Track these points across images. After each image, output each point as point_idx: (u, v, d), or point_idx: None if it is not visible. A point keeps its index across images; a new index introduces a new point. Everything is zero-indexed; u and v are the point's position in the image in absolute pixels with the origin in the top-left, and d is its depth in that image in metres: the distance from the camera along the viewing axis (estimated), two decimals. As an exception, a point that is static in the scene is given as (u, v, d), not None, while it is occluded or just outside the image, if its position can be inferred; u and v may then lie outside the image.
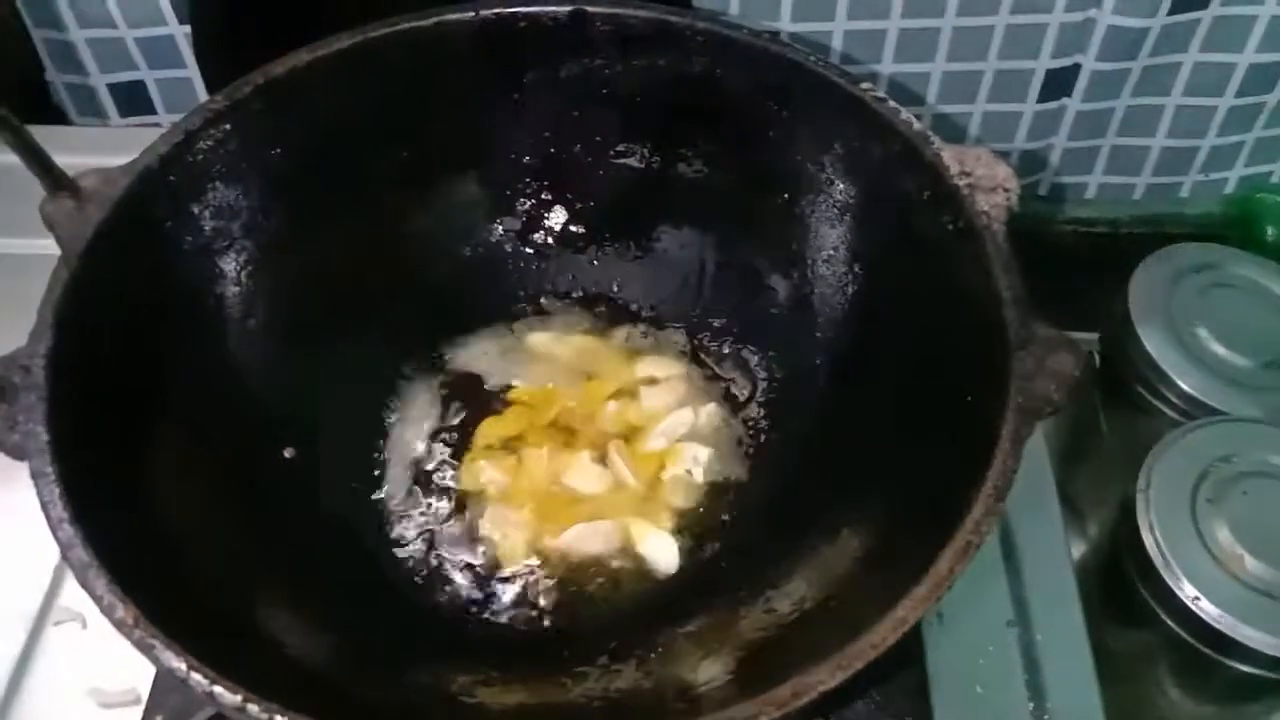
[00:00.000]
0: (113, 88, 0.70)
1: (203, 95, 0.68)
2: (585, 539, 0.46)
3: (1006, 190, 0.39)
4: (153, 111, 0.71)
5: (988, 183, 0.39)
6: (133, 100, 0.70)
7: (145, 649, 0.30)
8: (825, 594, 0.38)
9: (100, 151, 0.47)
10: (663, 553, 0.47)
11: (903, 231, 0.43)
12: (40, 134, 0.41)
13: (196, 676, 0.29)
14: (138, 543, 0.34)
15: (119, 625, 0.31)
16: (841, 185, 0.47)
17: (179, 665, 0.30)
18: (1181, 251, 0.61)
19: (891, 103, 0.43)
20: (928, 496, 0.36)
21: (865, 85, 0.44)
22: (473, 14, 0.47)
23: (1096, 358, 0.62)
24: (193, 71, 0.68)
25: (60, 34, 0.66)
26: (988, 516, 0.32)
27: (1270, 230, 0.72)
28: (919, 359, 0.42)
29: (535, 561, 0.47)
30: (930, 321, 0.42)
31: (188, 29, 0.66)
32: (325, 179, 0.48)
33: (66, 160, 0.42)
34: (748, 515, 0.48)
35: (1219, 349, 0.57)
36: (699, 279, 0.53)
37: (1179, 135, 0.70)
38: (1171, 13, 0.62)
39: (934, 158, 0.41)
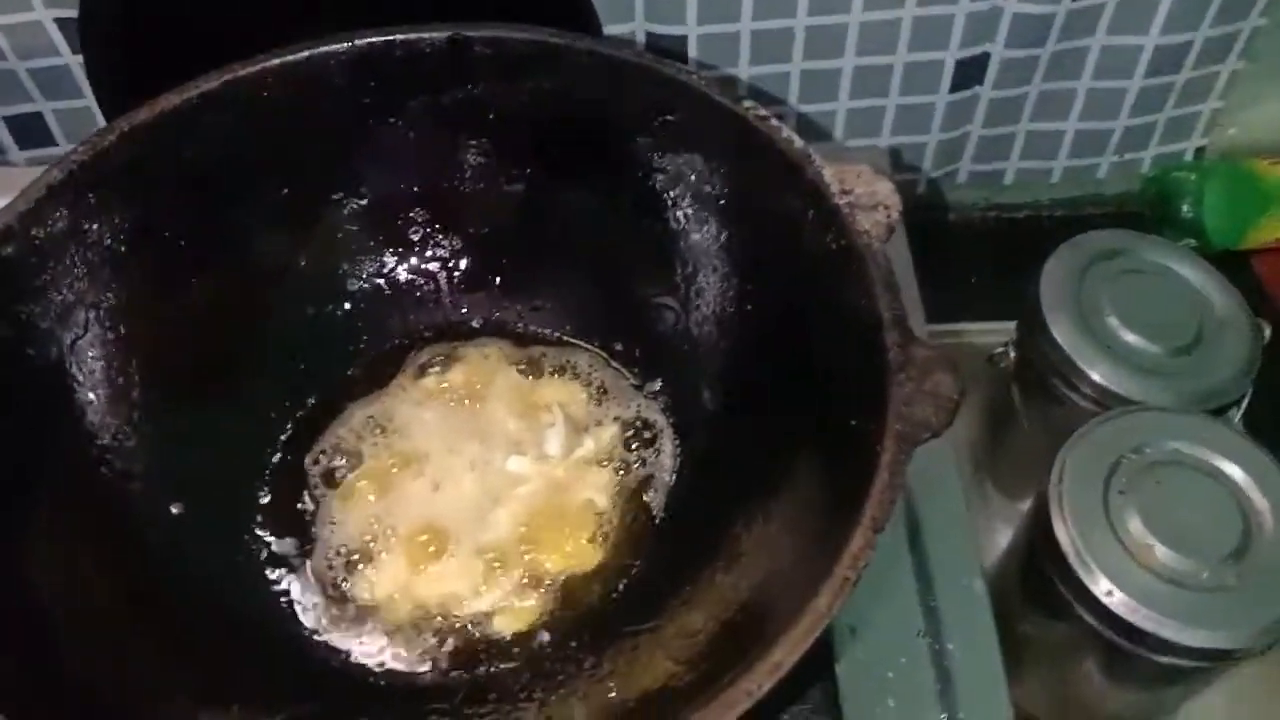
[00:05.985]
0: (9, 120, 0.68)
1: (103, 124, 0.67)
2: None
3: (887, 208, 0.39)
4: (54, 144, 0.70)
5: (868, 200, 0.39)
6: (31, 133, 0.69)
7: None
8: (717, 627, 0.38)
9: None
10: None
11: (788, 252, 0.42)
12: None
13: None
14: (8, 632, 0.33)
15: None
16: (727, 205, 0.46)
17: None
18: (1091, 240, 0.60)
19: (773, 120, 0.42)
20: (812, 526, 0.36)
21: (748, 104, 0.43)
22: (348, 44, 0.46)
23: (1012, 350, 0.63)
24: (91, 100, 0.66)
25: (-52, 68, 0.64)
26: (865, 550, 0.32)
27: (1185, 208, 0.72)
28: (804, 383, 0.41)
29: (420, 611, 0.46)
30: (815, 344, 0.41)
31: (81, 58, 0.64)
32: (201, 223, 0.46)
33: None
34: (650, 542, 0.47)
35: (1130, 337, 0.57)
36: (596, 304, 0.53)
37: (1092, 118, 0.71)
38: (1076, -3, 0.62)
39: (815, 176, 0.40)
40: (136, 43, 0.62)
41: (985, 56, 0.66)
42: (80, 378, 0.43)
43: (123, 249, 0.44)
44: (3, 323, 0.41)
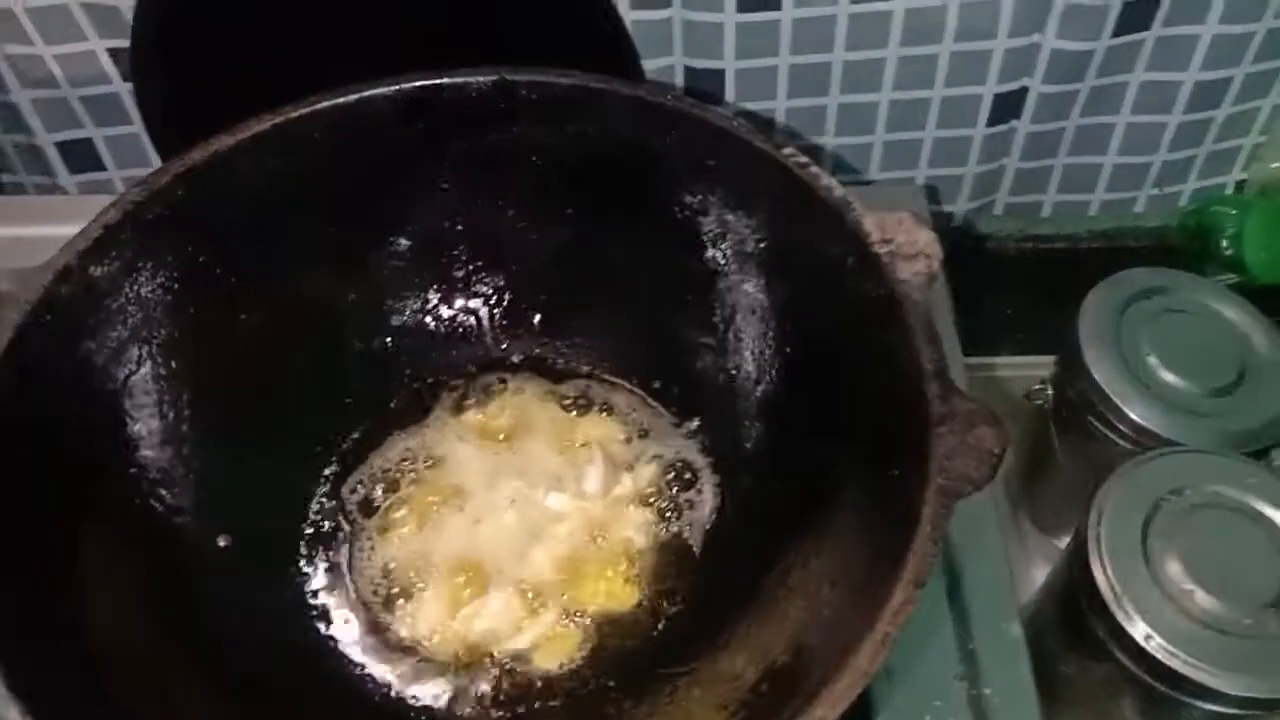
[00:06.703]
0: (60, 146, 0.70)
1: (151, 150, 0.68)
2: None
3: (928, 257, 0.39)
4: (103, 168, 0.71)
5: (909, 249, 0.39)
6: (81, 158, 0.71)
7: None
8: (757, 674, 0.38)
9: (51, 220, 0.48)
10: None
11: (828, 299, 0.43)
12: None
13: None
14: (58, 665, 0.34)
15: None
16: (766, 250, 0.47)
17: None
18: (1130, 277, 0.60)
19: (814, 168, 0.43)
20: (852, 576, 0.36)
21: (788, 150, 0.43)
22: (395, 87, 0.47)
23: (1049, 388, 0.62)
24: (140, 127, 0.68)
25: (2, 95, 0.66)
26: (906, 605, 0.32)
27: (1224, 242, 0.72)
28: (844, 430, 0.41)
29: (460, 647, 0.47)
30: (855, 392, 0.41)
31: (131, 86, 0.66)
32: (251, 261, 0.47)
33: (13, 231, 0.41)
34: (688, 584, 0.47)
35: (1169, 377, 0.57)
36: (635, 343, 0.53)
37: (1130, 152, 0.70)
38: (1115, 34, 0.62)
39: (855, 224, 0.40)
40: (184, 72, 0.63)
41: (1023, 91, 0.66)
42: (133, 413, 0.44)
43: (176, 286, 0.45)
44: (61, 360, 0.42)
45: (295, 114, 0.46)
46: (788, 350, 0.47)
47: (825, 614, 0.38)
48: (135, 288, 0.44)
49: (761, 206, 0.46)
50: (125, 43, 0.63)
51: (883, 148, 0.69)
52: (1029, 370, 0.68)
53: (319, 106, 0.46)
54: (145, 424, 0.45)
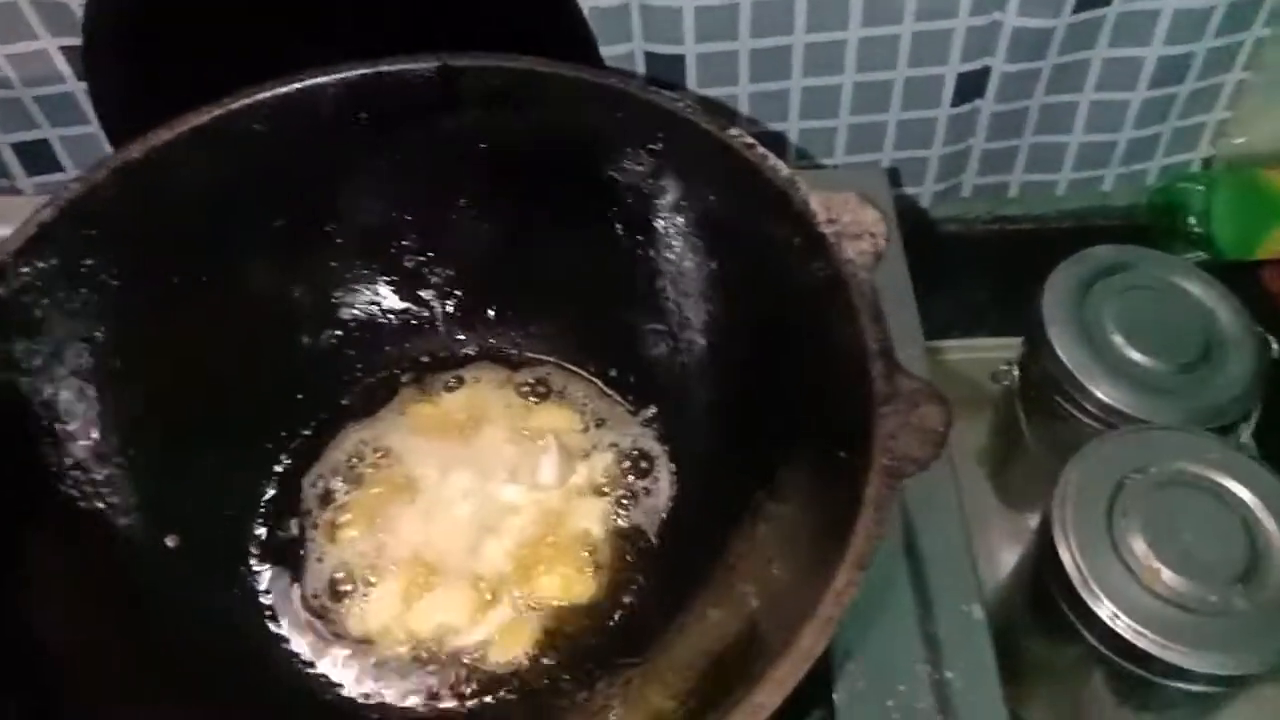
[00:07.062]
0: (16, 147, 0.69)
1: (110, 149, 0.68)
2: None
3: (873, 235, 0.38)
4: (60, 169, 0.71)
5: (854, 229, 0.39)
6: (38, 159, 0.70)
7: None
8: (709, 661, 0.38)
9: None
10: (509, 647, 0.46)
11: (776, 280, 0.42)
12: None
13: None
14: (10, 667, 0.34)
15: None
16: (715, 233, 0.46)
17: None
18: (1094, 255, 0.60)
19: (760, 149, 0.42)
20: (802, 559, 0.36)
21: (734, 131, 0.43)
22: (337, 76, 0.46)
23: (1015, 367, 0.62)
24: (97, 126, 0.68)
25: (-45, 97, 0.65)
26: (850, 588, 0.32)
27: (1192, 219, 0.71)
28: (793, 413, 0.41)
29: (414, 643, 0.46)
30: (803, 374, 0.41)
31: (86, 85, 0.65)
32: (194, 256, 0.47)
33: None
34: (644, 573, 0.47)
35: (1134, 354, 0.56)
36: (590, 330, 0.53)
37: (1096, 130, 0.70)
38: (1076, 11, 0.62)
39: (801, 204, 0.40)
40: (139, 69, 0.63)
41: (986, 70, 0.66)
42: (74, 413, 0.44)
43: (116, 284, 0.45)
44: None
45: (235, 106, 0.45)
46: (738, 334, 0.46)
47: (775, 598, 0.38)
48: (74, 286, 0.44)
49: (711, 188, 0.45)
50: (78, 40, 0.62)
51: (847, 131, 0.69)
52: (999, 352, 0.68)
53: (259, 97, 0.45)
54: (87, 424, 0.44)
